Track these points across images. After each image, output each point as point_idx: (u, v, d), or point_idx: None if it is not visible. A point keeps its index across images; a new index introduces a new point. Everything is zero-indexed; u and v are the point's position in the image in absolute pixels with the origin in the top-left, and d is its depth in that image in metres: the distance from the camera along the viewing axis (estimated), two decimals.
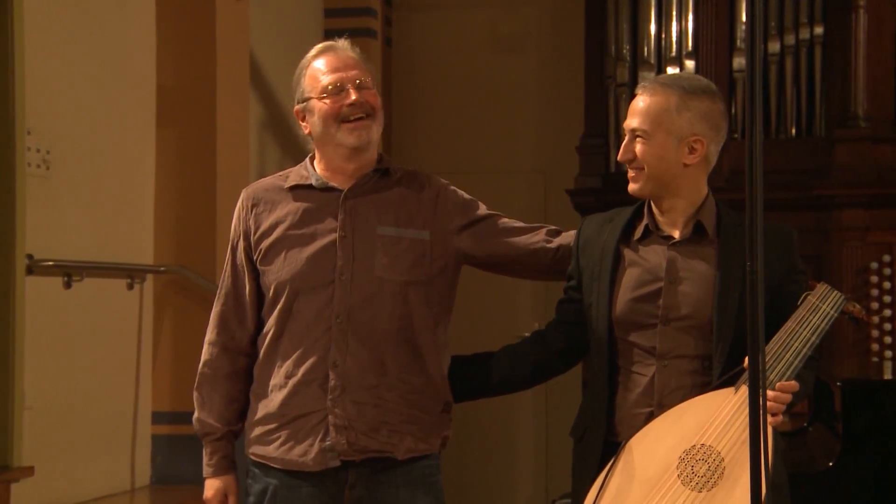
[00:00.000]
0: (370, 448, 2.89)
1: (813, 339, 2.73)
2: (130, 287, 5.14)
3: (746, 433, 2.38)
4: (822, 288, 2.80)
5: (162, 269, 5.27)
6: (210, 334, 3.07)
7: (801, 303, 2.79)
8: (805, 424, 4.69)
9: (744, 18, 6.48)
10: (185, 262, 5.27)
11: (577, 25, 7.31)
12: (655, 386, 2.84)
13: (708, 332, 2.79)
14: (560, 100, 7.74)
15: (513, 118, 7.89)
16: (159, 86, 5.38)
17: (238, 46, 5.60)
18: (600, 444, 2.88)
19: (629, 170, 2.87)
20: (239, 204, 3.06)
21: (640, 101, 2.84)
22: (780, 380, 2.67)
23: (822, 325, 2.75)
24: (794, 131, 6.73)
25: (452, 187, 3.14)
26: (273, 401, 2.93)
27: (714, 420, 2.68)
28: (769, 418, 2.53)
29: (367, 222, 2.95)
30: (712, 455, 2.65)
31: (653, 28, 6.87)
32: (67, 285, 4.69)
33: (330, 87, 2.94)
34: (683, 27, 6.83)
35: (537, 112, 7.90)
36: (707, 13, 6.80)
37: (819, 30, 6.67)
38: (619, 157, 2.89)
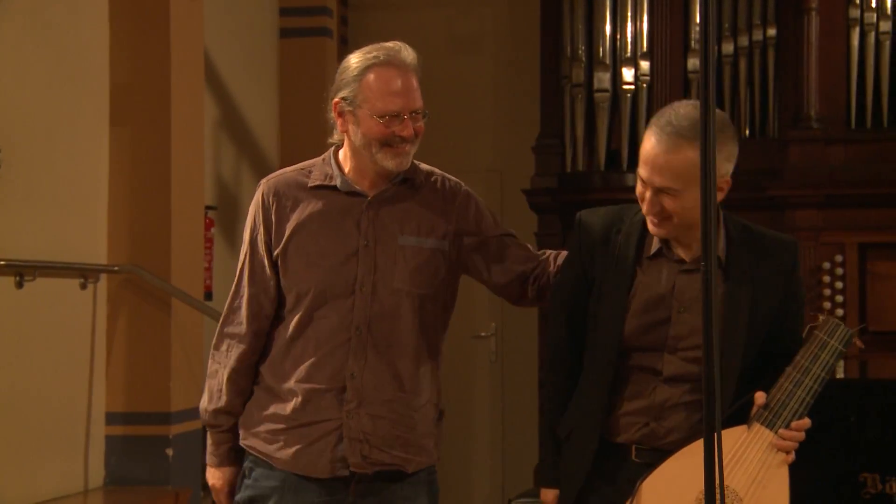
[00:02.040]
0: (383, 462, 2.89)
1: (823, 375, 2.73)
2: (84, 287, 5.10)
3: (761, 470, 2.49)
4: (830, 322, 2.77)
5: (115, 268, 5.23)
6: (226, 326, 3.01)
7: (808, 337, 2.78)
8: None
9: (698, 20, 6.52)
10: (139, 262, 5.24)
11: (533, 26, 7.33)
12: (656, 402, 2.83)
13: None
14: (516, 100, 7.76)
15: (469, 118, 7.89)
16: (112, 84, 5.34)
17: (192, 45, 5.57)
18: (593, 445, 2.86)
19: (652, 216, 2.76)
20: (259, 196, 2.97)
21: (662, 157, 2.69)
22: (794, 418, 2.70)
23: (832, 361, 2.75)
24: (747, 132, 6.77)
25: (476, 197, 3.12)
26: (285, 402, 2.90)
27: (728, 458, 2.67)
28: (783, 456, 2.65)
29: (390, 232, 2.91)
30: (729, 493, 2.66)
31: (608, 29, 6.89)
32: (19, 285, 4.64)
33: (388, 115, 2.86)
34: (638, 28, 6.86)
35: (494, 112, 7.91)
36: (662, 14, 6.84)
37: (772, 31, 6.72)
38: (644, 211, 2.77)
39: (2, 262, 4.54)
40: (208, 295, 5.95)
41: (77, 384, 5.12)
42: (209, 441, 3.05)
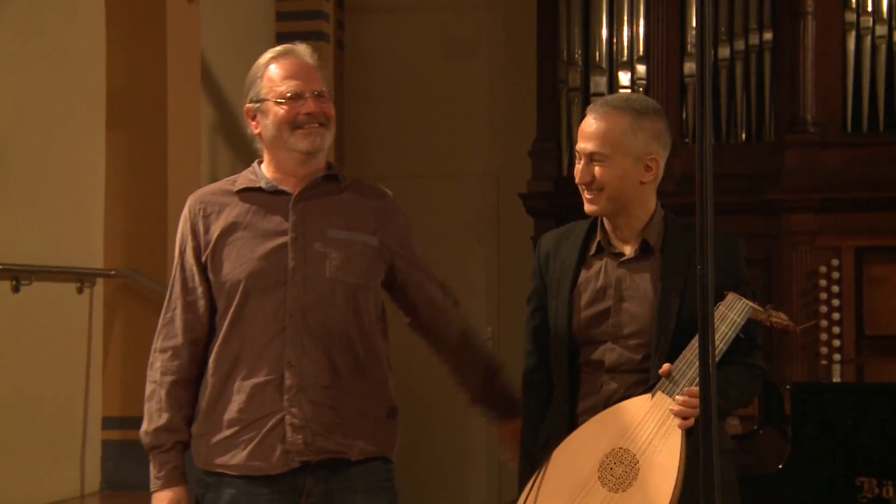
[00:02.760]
0: (326, 448, 2.89)
1: (721, 346, 2.81)
2: (80, 291, 5.10)
3: (657, 436, 2.69)
4: (730, 297, 2.89)
5: (112, 272, 5.22)
6: (159, 342, 3.02)
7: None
8: (755, 427, 4.72)
9: (694, 23, 6.53)
10: (136, 266, 5.23)
11: (530, 30, 7.34)
12: (603, 396, 2.95)
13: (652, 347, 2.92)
14: (512, 104, 7.76)
15: (465, 122, 7.89)
16: (109, 88, 5.33)
17: (189, 49, 5.57)
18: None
19: (586, 191, 2.95)
20: (186, 210, 3.02)
21: (594, 125, 2.93)
22: (690, 385, 2.78)
23: (730, 333, 2.84)
24: (744, 136, 6.78)
25: (401, 209, 3.19)
26: (230, 407, 2.91)
27: (631, 424, 2.82)
28: (678, 421, 2.74)
29: (318, 225, 2.95)
30: (628, 457, 2.79)
31: (604, 33, 6.90)
32: (16, 289, 4.64)
33: (289, 93, 2.93)
34: (635, 32, 6.87)
35: (490, 116, 7.91)
36: (658, 18, 6.85)
37: (768, 35, 6.73)
38: (577, 180, 2.96)
39: None
40: None
41: (73, 388, 5.11)
42: (152, 465, 2.99)
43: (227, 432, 2.91)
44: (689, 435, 2.75)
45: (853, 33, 6.57)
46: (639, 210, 2.97)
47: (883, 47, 6.51)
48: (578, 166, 2.97)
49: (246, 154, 6.84)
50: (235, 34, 6.76)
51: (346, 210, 3.01)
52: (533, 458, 3.04)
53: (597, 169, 2.92)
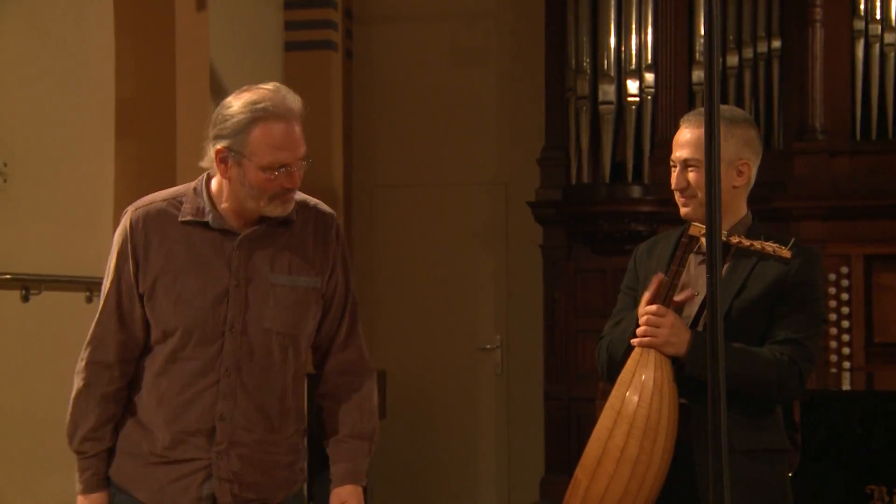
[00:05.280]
0: (251, 498, 2.89)
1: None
2: (89, 300, 5.10)
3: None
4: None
5: None
6: (88, 353, 2.95)
7: None
8: None
9: (702, 32, 6.53)
10: None
11: (538, 38, 7.35)
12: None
13: None
14: (521, 112, 7.77)
15: (474, 130, 7.90)
16: (118, 97, 5.34)
17: (198, 58, 5.58)
18: None
19: (681, 196, 3.11)
20: (127, 225, 2.89)
21: (688, 134, 3.10)
22: None
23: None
24: None
25: (343, 235, 3.05)
26: (153, 438, 2.87)
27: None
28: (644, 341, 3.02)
29: (260, 270, 2.86)
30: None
31: (612, 41, 6.90)
32: (25, 299, 4.65)
33: (277, 168, 2.78)
34: (643, 40, 6.87)
35: (498, 124, 7.92)
36: (666, 26, 6.86)
37: (777, 43, 6.73)
38: (673, 186, 3.12)
39: (8, 276, 4.55)
40: None
41: None
42: (77, 468, 2.99)
43: (146, 461, 2.88)
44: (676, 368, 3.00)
45: (862, 41, 6.56)
46: (730, 213, 3.10)
47: (892, 55, 6.51)
48: (674, 174, 3.11)
49: None
50: (244, 43, 6.77)
51: (291, 250, 2.90)
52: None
53: (691, 175, 3.07)
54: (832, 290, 6.43)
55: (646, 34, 6.87)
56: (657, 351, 2.99)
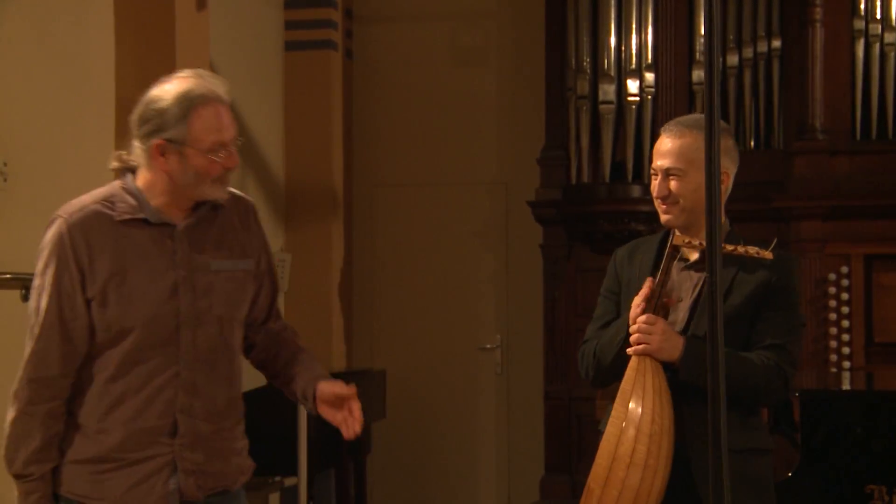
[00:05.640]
0: (214, 487, 2.92)
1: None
2: None
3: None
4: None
5: None
6: (30, 370, 2.89)
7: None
8: None
9: (702, 31, 6.53)
10: None
11: (538, 38, 7.35)
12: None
13: None
14: (521, 112, 7.77)
15: (474, 130, 7.90)
16: (118, 97, 5.34)
17: (198, 57, 5.57)
18: None
19: (662, 203, 3.22)
20: (62, 235, 2.88)
21: (669, 143, 3.21)
22: None
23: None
24: (752, 143, 6.78)
25: (260, 223, 3.09)
26: (109, 440, 2.85)
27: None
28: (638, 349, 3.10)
29: (203, 259, 2.90)
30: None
31: (613, 41, 6.90)
32: (25, 298, 4.62)
33: (218, 149, 2.83)
34: (643, 40, 6.87)
35: (498, 124, 7.92)
36: (666, 26, 6.85)
37: (777, 43, 6.73)
38: (655, 194, 3.23)
39: (7, 276, 4.54)
40: None
41: None
42: (18, 492, 2.90)
43: (102, 465, 2.85)
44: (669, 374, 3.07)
45: (862, 41, 6.56)
46: None
47: (892, 55, 6.51)
48: (655, 182, 3.23)
49: (254, 161, 6.86)
50: (244, 43, 6.77)
51: (225, 235, 2.95)
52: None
53: (672, 183, 3.19)
54: (832, 290, 6.43)
55: (646, 34, 6.87)
56: (652, 358, 3.07)
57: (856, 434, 4.18)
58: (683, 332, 3.15)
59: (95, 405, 2.86)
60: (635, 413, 3.00)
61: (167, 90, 2.89)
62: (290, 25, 7.32)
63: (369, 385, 6.60)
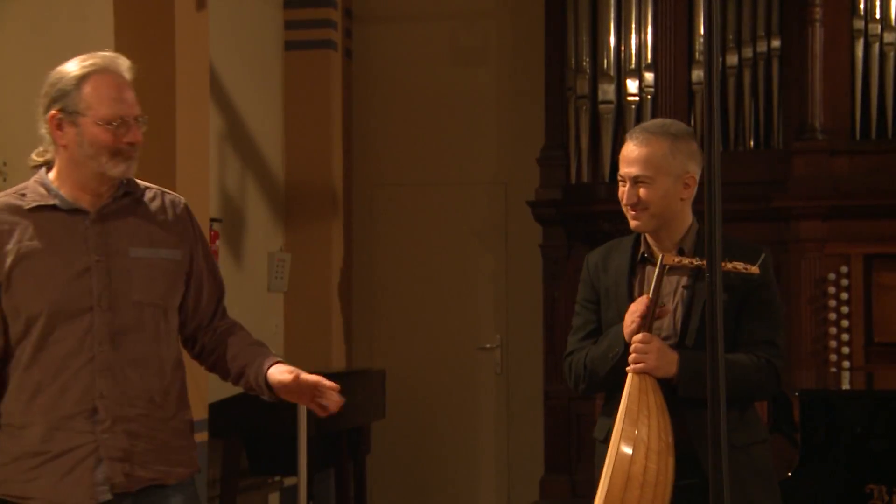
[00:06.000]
0: (146, 478, 2.85)
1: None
2: None
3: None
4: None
5: None
6: None
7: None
8: None
9: (702, 31, 6.53)
10: None
11: (538, 38, 7.34)
12: None
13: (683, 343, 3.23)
14: (521, 111, 7.77)
15: (474, 130, 7.90)
16: None
17: (197, 58, 5.57)
18: None
19: (631, 209, 3.23)
20: None
21: (636, 151, 3.22)
22: None
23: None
24: (752, 143, 6.78)
25: (197, 223, 3.07)
26: (30, 437, 2.79)
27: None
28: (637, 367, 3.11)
29: (120, 245, 2.85)
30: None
31: (612, 40, 6.90)
32: None
33: (115, 120, 2.79)
34: (643, 40, 6.87)
35: (498, 124, 7.92)
36: (666, 26, 6.85)
37: (776, 43, 6.73)
38: (624, 202, 3.24)
39: None
40: None
41: None
42: None
43: (27, 463, 2.80)
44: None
45: (861, 40, 6.56)
46: (678, 223, 3.25)
47: (891, 54, 6.51)
48: (623, 189, 3.24)
49: (253, 161, 6.86)
50: (244, 43, 6.77)
51: (147, 225, 2.91)
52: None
53: (641, 190, 3.20)
54: (831, 290, 6.43)
55: (645, 34, 6.87)
56: (649, 375, 3.11)
57: (856, 434, 4.18)
58: (681, 337, 3.19)
59: (16, 399, 2.82)
60: (643, 430, 3.04)
61: (66, 66, 2.86)
62: (289, 25, 7.32)
63: (369, 385, 6.60)
